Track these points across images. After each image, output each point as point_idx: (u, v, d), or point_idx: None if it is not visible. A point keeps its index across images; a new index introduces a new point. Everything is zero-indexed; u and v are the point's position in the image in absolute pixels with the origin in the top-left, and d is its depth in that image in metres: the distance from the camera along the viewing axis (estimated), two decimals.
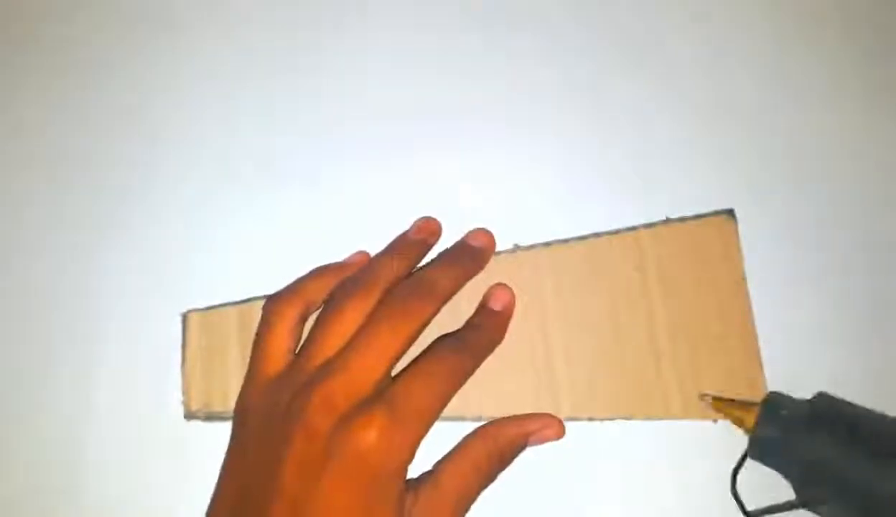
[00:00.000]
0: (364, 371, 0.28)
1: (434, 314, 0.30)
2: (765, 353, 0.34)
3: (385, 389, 0.28)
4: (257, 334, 0.31)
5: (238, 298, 0.34)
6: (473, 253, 0.33)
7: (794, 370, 0.33)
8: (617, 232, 0.35)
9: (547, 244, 0.35)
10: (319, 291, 0.32)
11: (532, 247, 0.35)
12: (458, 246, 0.34)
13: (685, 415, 0.33)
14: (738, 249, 0.35)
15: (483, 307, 0.33)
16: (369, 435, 0.26)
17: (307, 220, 0.36)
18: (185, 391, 0.33)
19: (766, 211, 0.36)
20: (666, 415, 0.33)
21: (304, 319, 0.31)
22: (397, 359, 0.29)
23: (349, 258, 0.34)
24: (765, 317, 0.34)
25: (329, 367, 0.28)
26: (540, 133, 0.37)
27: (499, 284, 0.33)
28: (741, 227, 0.35)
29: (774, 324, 0.34)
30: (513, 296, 0.33)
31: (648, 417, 0.33)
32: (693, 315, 0.34)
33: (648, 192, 0.36)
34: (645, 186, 0.36)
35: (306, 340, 0.30)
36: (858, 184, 0.37)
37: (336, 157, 0.37)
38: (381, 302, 0.30)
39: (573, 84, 0.38)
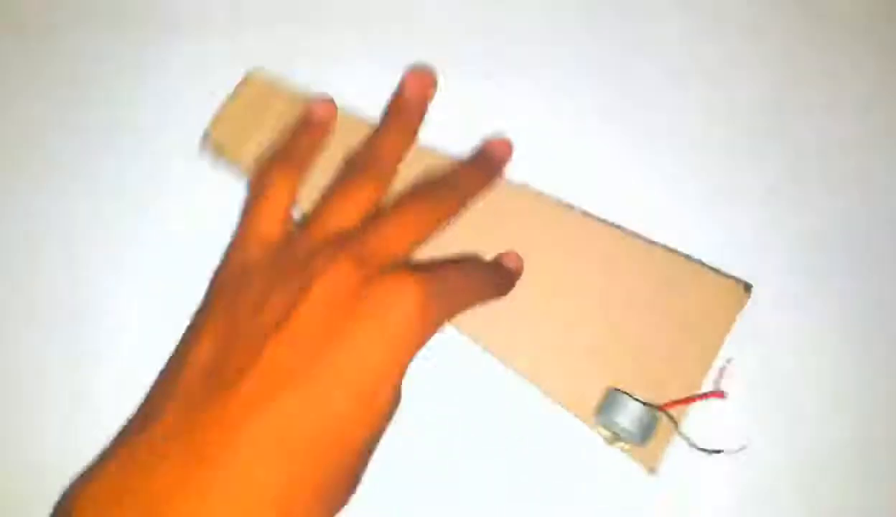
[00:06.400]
0: (396, 242, 0.28)
1: (457, 214, 0.31)
2: (765, 354, 0.34)
3: (418, 263, 0.28)
4: (251, 198, 0.31)
5: None
6: (493, 160, 0.35)
7: (795, 369, 0.34)
8: (637, 236, 0.35)
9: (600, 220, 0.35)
10: (308, 154, 0.32)
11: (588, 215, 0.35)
12: (479, 153, 0.35)
13: None
14: (734, 320, 0.34)
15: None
16: (404, 295, 0.25)
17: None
18: (214, 121, 0.36)
19: (767, 211, 0.36)
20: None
21: (298, 186, 0.31)
22: (421, 243, 0.29)
23: (316, 109, 0.34)
24: (766, 317, 0.34)
25: (358, 233, 0.28)
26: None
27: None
28: (740, 226, 0.36)
29: (775, 323, 0.35)
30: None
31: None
32: (654, 341, 0.34)
33: (648, 189, 0.36)
34: (644, 184, 0.36)
35: (317, 208, 0.30)
36: (860, 183, 0.37)
37: None
38: (412, 189, 0.31)
39: (574, 89, 0.38)
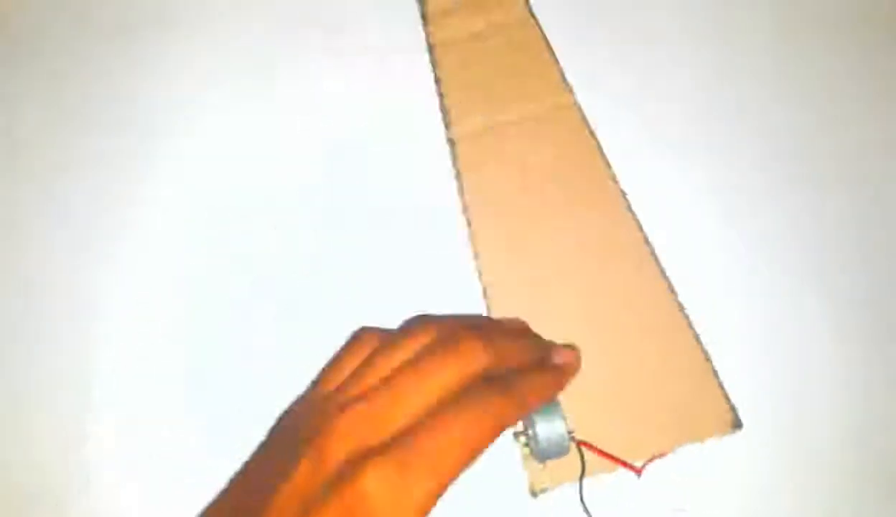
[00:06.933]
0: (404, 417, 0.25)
1: (507, 426, 0.26)
2: (765, 354, 0.34)
3: (407, 433, 0.24)
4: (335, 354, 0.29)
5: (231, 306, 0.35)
6: (559, 372, 0.31)
7: (796, 370, 0.34)
8: (685, 313, 0.34)
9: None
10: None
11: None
12: (547, 363, 0.31)
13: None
14: (705, 439, 0.32)
15: (544, 359, 0.31)
16: (372, 484, 0.23)
17: (308, 225, 0.36)
18: None
19: (767, 211, 0.36)
20: None
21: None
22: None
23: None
24: (766, 317, 0.34)
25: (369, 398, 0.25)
26: None
27: (567, 346, 0.32)
28: (740, 224, 0.36)
29: (776, 323, 0.35)
30: (578, 359, 0.31)
31: None
32: (625, 393, 0.33)
33: (646, 187, 0.36)
34: (642, 182, 0.37)
35: (361, 365, 0.27)
36: (860, 183, 0.37)
37: (338, 153, 0.37)
38: (469, 387, 0.26)
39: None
